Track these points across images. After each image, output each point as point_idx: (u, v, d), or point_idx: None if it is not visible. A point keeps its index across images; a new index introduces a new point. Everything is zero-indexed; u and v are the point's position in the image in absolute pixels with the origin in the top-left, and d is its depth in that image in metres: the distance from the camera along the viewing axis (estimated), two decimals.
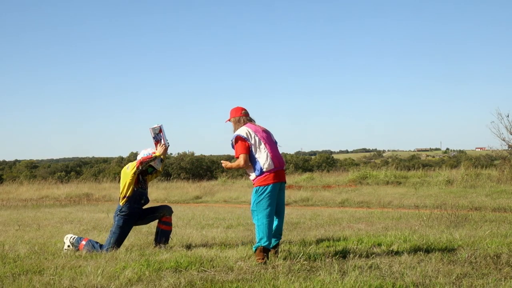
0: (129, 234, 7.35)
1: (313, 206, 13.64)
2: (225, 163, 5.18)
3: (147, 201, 5.90)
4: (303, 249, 5.32)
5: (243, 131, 4.99)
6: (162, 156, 5.85)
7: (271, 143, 5.05)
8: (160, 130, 5.85)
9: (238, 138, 4.96)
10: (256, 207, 4.88)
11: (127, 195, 5.69)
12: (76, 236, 5.89)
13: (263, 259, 4.76)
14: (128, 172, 5.72)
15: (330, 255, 4.99)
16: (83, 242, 5.76)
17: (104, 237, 6.89)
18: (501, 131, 19.40)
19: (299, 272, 4.32)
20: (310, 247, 5.44)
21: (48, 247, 6.04)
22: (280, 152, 5.28)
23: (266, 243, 4.79)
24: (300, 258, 4.81)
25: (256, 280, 4.07)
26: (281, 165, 5.00)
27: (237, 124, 5.16)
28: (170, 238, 6.03)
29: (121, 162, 53.07)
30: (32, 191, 20.66)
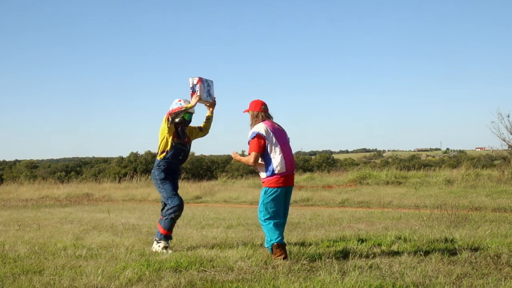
0: (129, 234, 7.36)
1: (313, 206, 13.64)
2: (235, 155, 5.17)
3: (185, 158, 5.74)
4: (303, 249, 5.32)
5: (262, 128, 4.92)
6: (208, 113, 5.77)
7: (286, 145, 5.01)
8: (199, 81, 5.61)
9: (256, 135, 4.90)
10: (264, 207, 4.89)
11: (165, 149, 5.54)
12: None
13: (281, 254, 4.77)
14: (162, 125, 5.56)
15: (330, 255, 5.00)
16: (161, 229, 5.59)
17: (104, 237, 6.89)
18: (501, 131, 19.37)
19: (299, 272, 4.32)
20: (310, 247, 5.44)
21: (48, 247, 6.04)
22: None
23: (279, 238, 4.81)
24: (300, 258, 4.81)
25: (256, 280, 4.08)
26: (292, 169, 4.99)
27: (255, 119, 5.06)
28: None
29: (121, 162, 53.08)
30: (32, 191, 20.66)
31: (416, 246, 5.58)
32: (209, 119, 5.92)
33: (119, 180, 24.37)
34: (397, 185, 18.83)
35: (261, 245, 5.79)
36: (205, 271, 4.42)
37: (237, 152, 5.22)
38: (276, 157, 4.86)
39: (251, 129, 5.02)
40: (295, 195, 15.39)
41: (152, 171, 5.69)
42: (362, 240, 5.95)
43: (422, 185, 17.78)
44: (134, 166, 49.59)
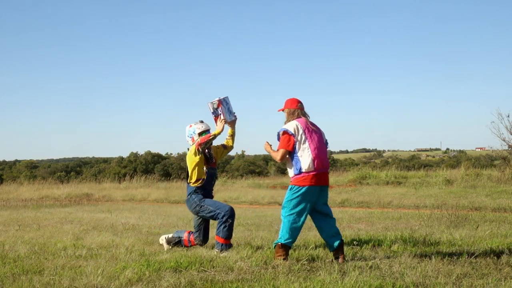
0: (129, 234, 7.36)
1: None
2: (267, 145, 5.06)
3: (216, 179, 5.67)
4: (303, 249, 5.32)
5: (291, 125, 4.84)
6: (230, 130, 5.64)
7: (318, 144, 4.84)
8: (219, 104, 5.47)
9: (285, 132, 4.82)
10: (287, 204, 4.80)
11: (201, 177, 5.43)
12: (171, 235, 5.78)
13: (281, 255, 4.71)
14: (191, 155, 5.42)
15: (330, 255, 4.99)
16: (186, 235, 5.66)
17: (104, 237, 6.89)
18: (501, 131, 19.36)
19: (299, 272, 4.32)
20: (310, 247, 5.44)
21: (48, 247, 6.04)
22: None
23: (288, 241, 4.76)
24: (300, 258, 4.81)
25: (256, 280, 4.08)
26: (323, 168, 4.82)
27: (290, 116, 4.97)
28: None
29: (121, 162, 53.07)
30: (32, 191, 20.66)
31: (416, 246, 5.58)
32: (232, 136, 5.79)
33: (119, 180, 24.38)
34: (397, 185, 18.83)
35: (261, 246, 5.79)
36: (205, 271, 4.42)
37: (269, 144, 5.06)
38: (304, 156, 4.74)
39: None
40: None
41: (188, 198, 5.51)
42: (362, 240, 5.95)
43: (422, 185, 17.79)
44: (134, 166, 49.61)
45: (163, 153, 54.58)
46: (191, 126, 5.62)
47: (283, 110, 5.09)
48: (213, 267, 4.54)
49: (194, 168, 5.40)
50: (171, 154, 54.70)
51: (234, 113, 5.64)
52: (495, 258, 4.81)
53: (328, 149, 5.09)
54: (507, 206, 10.89)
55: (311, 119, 5.05)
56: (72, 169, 59.28)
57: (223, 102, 5.51)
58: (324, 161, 4.86)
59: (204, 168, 5.46)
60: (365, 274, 4.20)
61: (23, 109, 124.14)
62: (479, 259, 4.77)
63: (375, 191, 16.56)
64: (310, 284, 3.89)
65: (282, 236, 4.79)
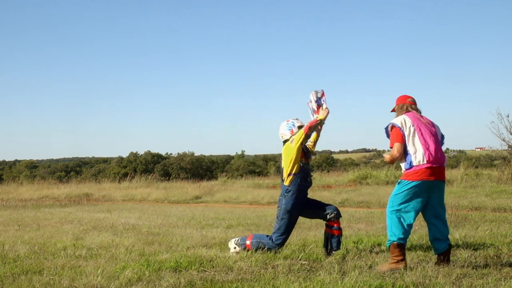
0: (129, 234, 7.36)
1: None
2: (386, 156, 4.77)
3: (311, 181, 5.38)
4: (303, 249, 5.32)
5: (398, 119, 4.62)
6: (315, 135, 5.46)
7: (429, 136, 4.55)
8: (323, 94, 5.43)
9: (392, 127, 4.61)
10: (393, 198, 4.53)
11: (294, 172, 5.13)
12: (240, 237, 5.45)
13: (398, 256, 4.40)
14: (293, 145, 5.12)
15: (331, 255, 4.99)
16: (248, 242, 5.26)
17: (104, 237, 6.89)
18: (501, 131, 19.38)
19: (299, 272, 4.32)
20: (310, 247, 5.43)
21: (48, 247, 6.04)
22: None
23: (400, 237, 4.43)
24: (300, 258, 4.81)
25: (256, 280, 4.07)
26: (438, 161, 4.50)
27: (399, 111, 4.78)
28: (341, 242, 5.35)
29: (121, 162, 53.10)
30: (32, 191, 20.66)
31: (416, 246, 5.58)
32: (315, 142, 5.56)
33: (119, 180, 24.39)
34: None
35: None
36: (205, 271, 4.42)
37: (385, 152, 4.89)
38: (414, 149, 4.48)
39: None
40: None
41: (280, 197, 5.26)
42: (362, 240, 5.95)
43: None
44: (134, 166, 49.67)
45: (163, 153, 54.67)
46: (288, 121, 5.45)
47: (394, 110, 4.88)
48: (213, 267, 4.54)
49: (290, 163, 5.13)
50: (171, 154, 54.74)
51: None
52: (495, 258, 4.81)
53: (443, 144, 4.81)
54: (507, 206, 10.89)
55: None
56: (72, 169, 59.35)
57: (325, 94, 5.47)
58: (438, 154, 4.55)
59: (299, 163, 5.17)
60: (365, 274, 4.20)
61: (23, 109, 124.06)
62: (479, 259, 4.77)
63: (375, 191, 16.57)
64: (310, 284, 3.89)
65: (392, 233, 4.46)
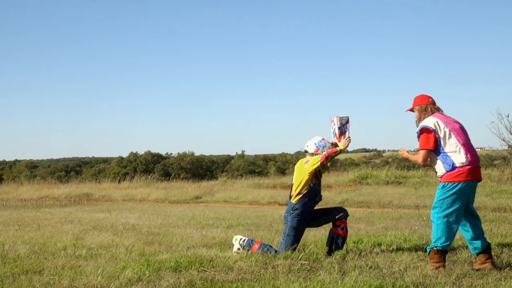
0: (129, 234, 7.36)
1: None
2: (402, 151, 4.75)
3: (320, 198, 5.37)
4: (303, 249, 5.32)
5: (430, 121, 4.45)
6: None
7: (464, 135, 4.46)
8: (347, 121, 5.29)
9: (424, 130, 4.44)
10: (440, 204, 4.37)
11: (303, 192, 5.15)
12: (247, 239, 5.39)
13: (438, 262, 4.32)
14: (306, 167, 5.13)
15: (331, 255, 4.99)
16: (256, 246, 5.23)
17: (104, 237, 6.89)
18: (501, 131, 19.41)
19: (299, 272, 4.32)
20: (310, 247, 5.43)
21: (48, 247, 6.04)
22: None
23: (445, 244, 4.33)
24: (300, 258, 4.81)
25: (256, 280, 4.08)
26: (476, 162, 4.41)
27: (424, 113, 4.60)
28: (345, 243, 5.39)
29: (121, 162, 53.07)
30: (32, 191, 20.66)
31: (416, 246, 5.58)
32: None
33: (119, 180, 24.39)
34: (397, 185, 18.84)
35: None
36: (205, 271, 4.42)
37: (404, 149, 4.78)
38: (454, 149, 4.36)
39: (418, 125, 4.58)
40: None
41: (285, 214, 5.28)
42: (362, 240, 5.95)
43: (422, 185, 17.80)
44: (134, 166, 49.63)
45: (163, 153, 54.65)
46: (324, 139, 5.38)
47: (412, 110, 4.76)
48: (213, 267, 4.54)
49: (300, 182, 5.16)
50: (171, 154, 54.73)
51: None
52: (495, 258, 4.81)
53: None
54: (507, 206, 10.89)
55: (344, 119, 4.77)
56: (72, 169, 59.34)
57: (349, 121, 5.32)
58: (476, 154, 4.46)
59: (309, 183, 5.19)
60: (365, 274, 4.20)
61: (23, 109, 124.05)
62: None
63: (375, 191, 16.57)
64: (310, 284, 3.89)
65: (437, 239, 4.35)
